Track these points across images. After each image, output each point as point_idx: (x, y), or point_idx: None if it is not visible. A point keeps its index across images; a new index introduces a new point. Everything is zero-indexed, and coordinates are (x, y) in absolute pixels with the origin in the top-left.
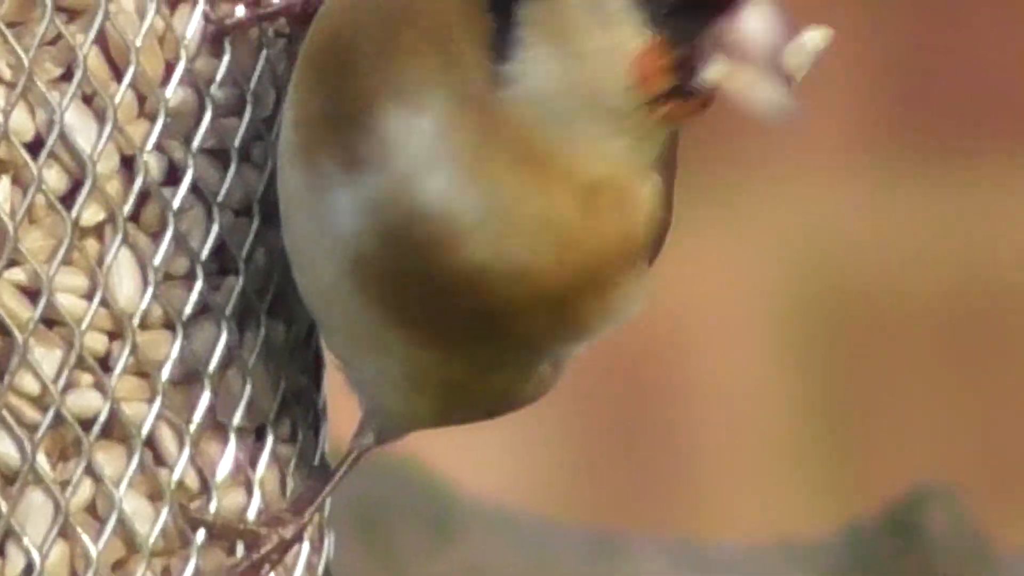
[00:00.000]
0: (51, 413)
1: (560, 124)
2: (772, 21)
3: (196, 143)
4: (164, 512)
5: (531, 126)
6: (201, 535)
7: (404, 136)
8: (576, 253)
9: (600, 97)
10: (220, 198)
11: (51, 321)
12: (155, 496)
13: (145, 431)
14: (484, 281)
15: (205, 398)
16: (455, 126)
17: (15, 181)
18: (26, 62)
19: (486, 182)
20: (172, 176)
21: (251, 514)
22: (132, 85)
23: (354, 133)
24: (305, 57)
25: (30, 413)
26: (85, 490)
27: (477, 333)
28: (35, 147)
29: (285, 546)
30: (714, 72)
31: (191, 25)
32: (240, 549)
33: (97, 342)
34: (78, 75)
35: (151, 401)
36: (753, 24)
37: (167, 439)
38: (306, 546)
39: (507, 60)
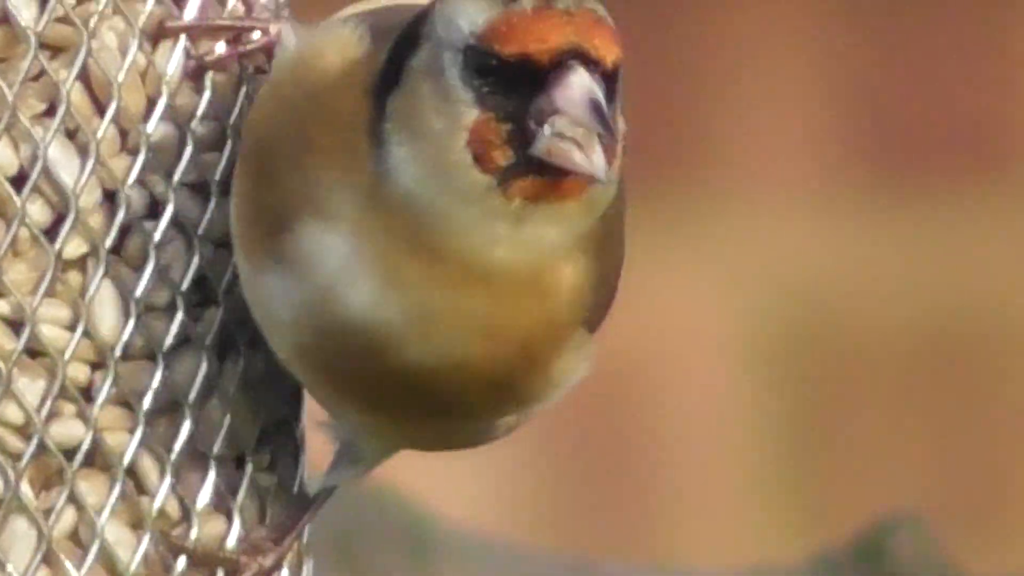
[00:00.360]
0: (34, 442)
1: (435, 212)
2: (586, 89)
3: (177, 177)
4: (145, 540)
5: (416, 218)
6: (182, 563)
7: (321, 250)
8: (500, 341)
9: (450, 177)
10: (201, 231)
11: (34, 352)
12: (137, 524)
13: (127, 460)
14: (420, 375)
15: (186, 427)
16: (364, 234)
17: None
18: (10, 97)
19: (401, 288)
20: (154, 209)
21: (231, 542)
22: (114, 120)
23: (281, 238)
24: (241, 154)
25: (13, 442)
26: (68, 518)
27: (424, 412)
28: (19, 181)
29: (265, 573)
30: (542, 143)
31: (172, 62)
32: None
33: (80, 372)
34: (61, 110)
35: (133, 430)
36: (569, 94)
37: (149, 468)
38: (285, 573)
39: (382, 150)
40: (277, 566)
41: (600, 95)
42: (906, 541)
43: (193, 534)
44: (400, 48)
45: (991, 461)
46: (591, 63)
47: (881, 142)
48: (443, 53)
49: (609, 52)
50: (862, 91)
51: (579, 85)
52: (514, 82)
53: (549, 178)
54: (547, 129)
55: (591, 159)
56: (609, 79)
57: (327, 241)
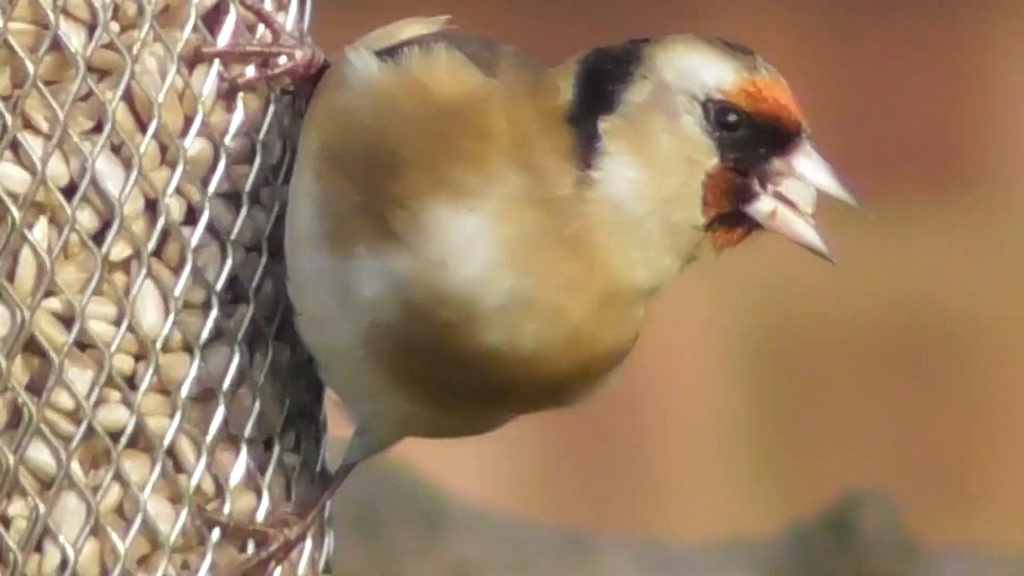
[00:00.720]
0: (83, 426)
1: (631, 231)
2: (821, 168)
3: (212, 188)
4: (183, 513)
5: (601, 228)
6: (216, 534)
7: (447, 225)
8: (577, 352)
9: (676, 207)
10: (233, 236)
11: (83, 345)
12: (175, 499)
13: (167, 442)
14: (492, 362)
15: (220, 413)
16: (506, 221)
17: (52, 221)
18: (61, 116)
19: (520, 272)
20: (190, 217)
21: (260, 515)
22: (155, 136)
23: (394, 221)
24: (327, 159)
25: (65, 426)
26: (113, 494)
27: (474, 400)
28: (69, 191)
29: (291, 545)
30: (766, 205)
31: (207, 84)
32: (251, 547)
33: (124, 363)
34: (107, 128)
35: (172, 416)
36: (804, 169)
37: (186, 449)
38: (309, 544)
39: (590, 167)
40: (301, 538)
41: (826, 175)
42: (870, 515)
43: (226, 509)
44: (593, 78)
45: (947, 443)
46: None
47: (853, 159)
48: (675, 97)
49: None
50: (837, 113)
51: (819, 156)
52: (754, 141)
53: (741, 232)
54: (770, 189)
55: (814, 232)
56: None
57: (460, 218)
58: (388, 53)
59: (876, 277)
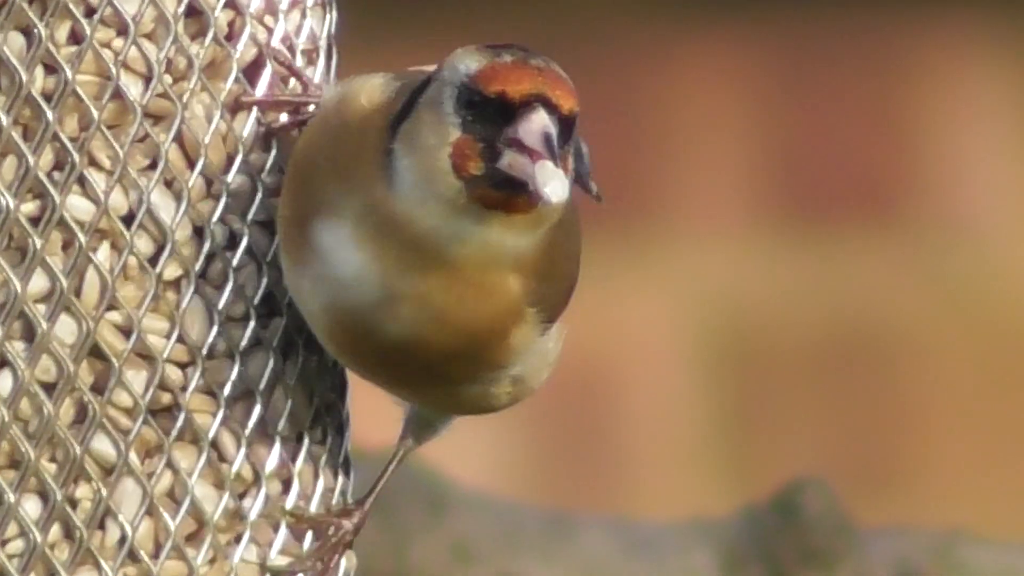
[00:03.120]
0: (140, 421)
1: (421, 211)
2: (543, 125)
3: (251, 216)
4: (225, 497)
5: (408, 218)
6: (253, 513)
7: (331, 242)
8: (448, 324)
9: (434, 181)
10: (268, 258)
11: (140, 352)
12: (218, 484)
13: (211, 435)
14: (399, 349)
15: (257, 410)
16: (362, 229)
17: (113, 246)
18: (121, 155)
19: (379, 272)
20: (232, 242)
21: (291, 498)
22: (202, 173)
23: (308, 237)
24: (287, 168)
25: (124, 421)
26: (166, 479)
27: (416, 380)
28: (128, 220)
29: (355, 530)
30: (505, 160)
31: (247, 128)
32: (308, 536)
33: (175, 368)
34: (161, 165)
35: (216, 413)
36: (530, 127)
37: (228, 441)
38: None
39: (391, 173)
40: (363, 523)
41: (554, 132)
42: (813, 498)
43: (263, 494)
44: (416, 94)
45: (878, 436)
46: (552, 108)
47: (796, 188)
48: (444, 89)
49: (567, 102)
50: (783, 149)
51: (538, 121)
52: (492, 115)
53: (506, 192)
54: (509, 151)
55: (540, 179)
56: (566, 124)
57: (336, 236)
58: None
59: (817, 291)
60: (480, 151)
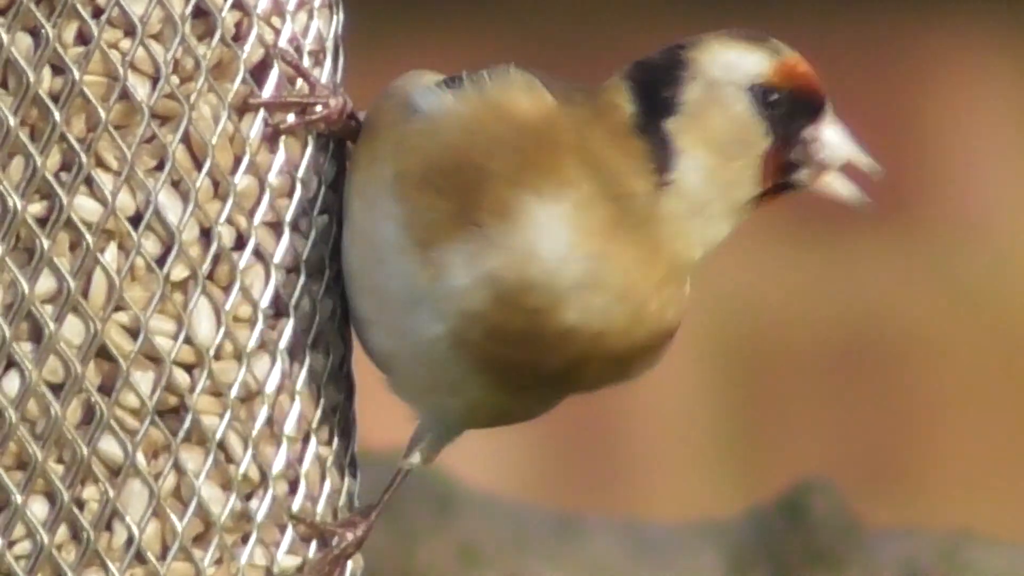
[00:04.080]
0: (147, 422)
1: (698, 215)
2: (843, 135)
3: (257, 218)
4: (232, 498)
5: (671, 217)
6: (260, 514)
7: (529, 219)
8: (641, 327)
9: (737, 189)
10: (275, 260)
11: (147, 353)
12: (225, 486)
13: (218, 436)
14: (568, 340)
15: (264, 412)
16: (580, 214)
17: (120, 247)
18: (128, 156)
19: (589, 256)
20: (239, 243)
21: (298, 500)
22: (209, 174)
23: (484, 222)
24: (409, 182)
25: (131, 422)
26: (172, 480)
27: (551, 379)
28: (135, 221)
29: (358, 542)
30: (804, 176)
31: (254, 128)
32: (314, 544)
33: (182, 369)
34: (168, 166)
35: (223, 414)
36: (831, 136)
37: (235, 442)
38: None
39: (668, 168)
40: (366, 535)
41: (849, 138)
42: (819, 500)
43: (269, 495)
44: (654, 87)
45: (885, 437)
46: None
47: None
48: (724, 89)
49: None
50: None
51: (841, 123)
52: (793, 114)
53: (775, 195)
54: (809, 158)
55: (852, 188)
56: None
57: (537, 214)
58: (448, 84)
59: (826, 292)
60: (785, 161)
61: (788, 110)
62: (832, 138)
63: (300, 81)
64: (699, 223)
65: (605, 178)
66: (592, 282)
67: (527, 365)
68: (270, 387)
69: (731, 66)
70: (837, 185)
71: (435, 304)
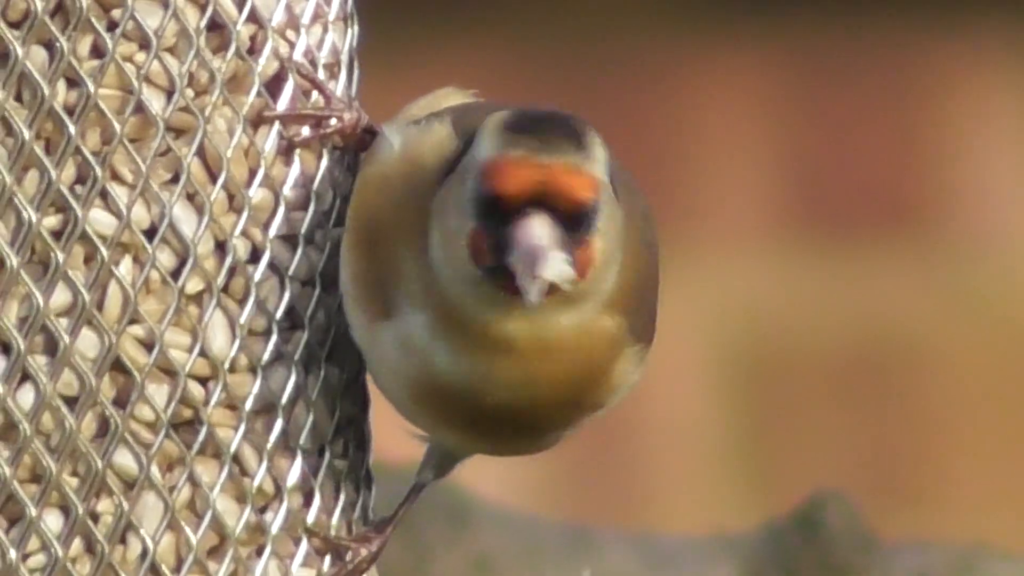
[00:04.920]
0: (161, 435)
1: (455, 292)
2: (534, 235)
3: (272, 231)
4: (247, 510)
5: (448, 297)
6: (275, 527)
7: (411, 322)
8: (550, 385)
9: (456, 266)
10: (291, 272)
11: (162, 366)
12: (240, 498)
13: (233, 449)
14: (502, 413)
15: (279, 424)
16: (431, 311)
17: (135, 260)
18: (143, 169)
19: (461, 354)
20: (254, 256)
21: (313, 512)
22: (224, 187)
23: (386, 299)
24: (349, 230)
25: (145, 435)
26: (187, 493)
27: (511, 434)
28: (150, 234)
29: (373, 557)
30: (511, 258)
31: (269, 141)
32: (327, 559)
33: (196, 382)
34: (183, 179)
35: (238, 427)
36: (519, 236)
37: (250, 455)
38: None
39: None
40: (380, 551)
41: (548, 236)
42: (834, 513)
43: (284, 507)
44: (458, 159)
45: (900, 450)
46: (553, 208)
47: (818, 204)
48: (471, 166)
49: (571, 198)
50: (803, 163)
51: (529, 229)
52: (494, 209)
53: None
54: (513, 249)
55: (530, 286)
56: (576, 216)
57: (414, 315)
58: (417, 122)
59: (839, 305)
60: (491, 244)
61: (491, 205)
62: (514, 242)
63: (315, 94)
64: (470, 300)
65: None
66: (482, 374)
67: (481, 430)
68: (285, 400)
69: (480, 146)
70: (524, 277)
71: (386, 370)
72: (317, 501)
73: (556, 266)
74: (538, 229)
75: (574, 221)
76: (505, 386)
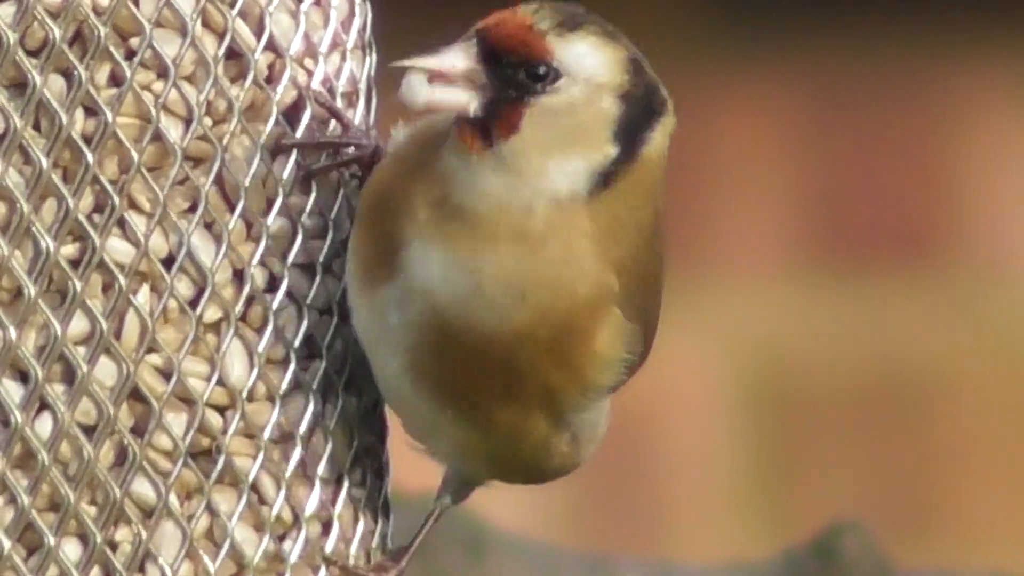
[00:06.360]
0: (180, 463)
1: (456, 178)
2: (454, 54)
3: (290, 259)
4: (265, 539)
5: (456, 197)
6: (294, 556)
7: (415, 253)
8: (532, 301)
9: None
10: (308, 301)
11: (180, 394)
12: (258, 527)
13: (251, 478)
14: (487, 344)
15: (297, 453)
16: (435, 230)
17: (153, 289)
18: (161, 198)
19: (460, 263)
20: (272, 285)
21: (331, 542)
22: (242, 215)
23: (391, 257)
24: (360, 208)
25: (164, 463)
26: (205, 522)
27: (502, 394)
28: (168, 262)
29: None
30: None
31: (286, 170)
32: None
33: (215, 410)
34: (201, 207)
35: (256, 456)
36: (447, 48)
37: (267, 484)
38: None
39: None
40: None
41: (457, 60)
42: (852, 541)
43: (303, 536)
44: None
45: (917, 479)
46: (488, 45)
47: (834, 234)
48: None
49: (504, 42)
50: (820, 193)
51: (451, 49)
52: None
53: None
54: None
55: (408, 84)
56: (509, 71)
57: (418, 246)
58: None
59: (855, 335)
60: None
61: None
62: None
63: (333, 122)
64: (458, 173)
65: (433, 190)
66: (474, 283)
67: (473, 381)
68: (303, 429)
69: None
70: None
71: (389, 340)
72: (335, 530)
73: (444, 88)
74: (455, 52)
75: (508, 78)
76: (491, 294)
